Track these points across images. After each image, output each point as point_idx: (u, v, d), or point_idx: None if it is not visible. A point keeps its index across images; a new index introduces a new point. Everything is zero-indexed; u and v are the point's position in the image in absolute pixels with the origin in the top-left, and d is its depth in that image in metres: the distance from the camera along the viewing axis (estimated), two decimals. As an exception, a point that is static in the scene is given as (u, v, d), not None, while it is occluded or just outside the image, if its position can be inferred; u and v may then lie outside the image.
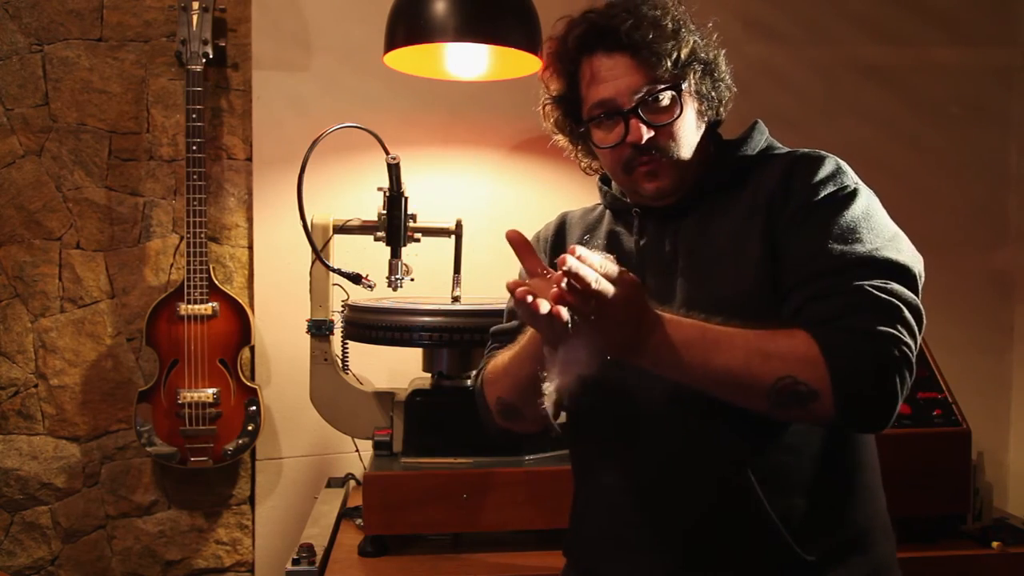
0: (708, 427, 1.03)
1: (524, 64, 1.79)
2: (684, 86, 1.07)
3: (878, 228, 0.99)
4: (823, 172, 1.03)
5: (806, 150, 1.09)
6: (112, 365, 2.09)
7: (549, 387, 0.95)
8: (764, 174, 1.08)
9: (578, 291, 0.86)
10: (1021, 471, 2.32)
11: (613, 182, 1.21)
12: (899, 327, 0.91)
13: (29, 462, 2.07)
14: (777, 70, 2.22)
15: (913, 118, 2.29)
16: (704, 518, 1.05)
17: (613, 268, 0.89)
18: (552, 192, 2.15)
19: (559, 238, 1.26)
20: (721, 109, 1.15)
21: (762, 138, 1.14)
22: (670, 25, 1.07)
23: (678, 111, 1.07)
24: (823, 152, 1.07)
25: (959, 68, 2.31)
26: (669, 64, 1.05)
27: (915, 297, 0.95)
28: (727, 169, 1.11)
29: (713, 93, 1.12)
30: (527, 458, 1.60)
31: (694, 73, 1.08)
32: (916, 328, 0.93)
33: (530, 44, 1.69)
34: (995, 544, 1.65)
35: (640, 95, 1.06)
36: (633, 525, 1.10)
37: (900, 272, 0.95)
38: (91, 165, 2.07)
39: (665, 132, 1.07)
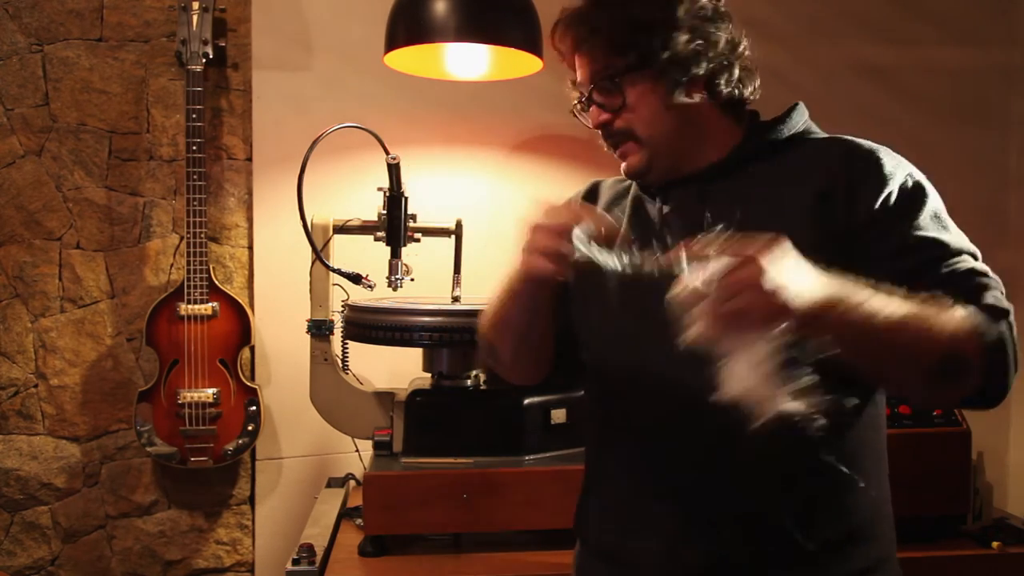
0: (709, 410, 1.01)
1: (524, 64, 1.79)
2: (628, 66, 1.06)
3: (948, 218, 1.04)
4: (888, 165, 1.04)
5: (855, 139, 1.09)
6: (112, 365, 2.09)
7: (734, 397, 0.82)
8: (812, 154, 1.08)
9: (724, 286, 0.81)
10: (1021, 471, 2.32)
11: None
12: (1011, 316, 0.95)
13: (29, 462, 2.07)
14: (777, 70, 2.21)
15: (913, 118, 2.29)
16: (705, 505, 1.04)
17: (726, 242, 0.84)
18: (552, 192, 2.14)
19: (590, 200, 1.27)
20: (721, 81, 1.09)
21: (801, 119, 1.13)
22: (612, 13, 1.07)
23: (620, 97, 1.09)
24: (873, 143, 1.08)
25: (959, 68, 2.31)
26: (603, 54, 1.08)
27: None
28: (757, 147, 1.11)
29: (692, 65, 1.06)
30: (527, 458, 1.60)
31: (642, 51, 1.05)
32: None
33: (530, 44, 1.69)
34: (995, 544, 1.65)
35: (589, 87, 1.11)
36: (643, 507, 1.10)
37: (978, 259, 1.01)
38: (91, 165, 2.07)
39: (620, 117, 1.10)
